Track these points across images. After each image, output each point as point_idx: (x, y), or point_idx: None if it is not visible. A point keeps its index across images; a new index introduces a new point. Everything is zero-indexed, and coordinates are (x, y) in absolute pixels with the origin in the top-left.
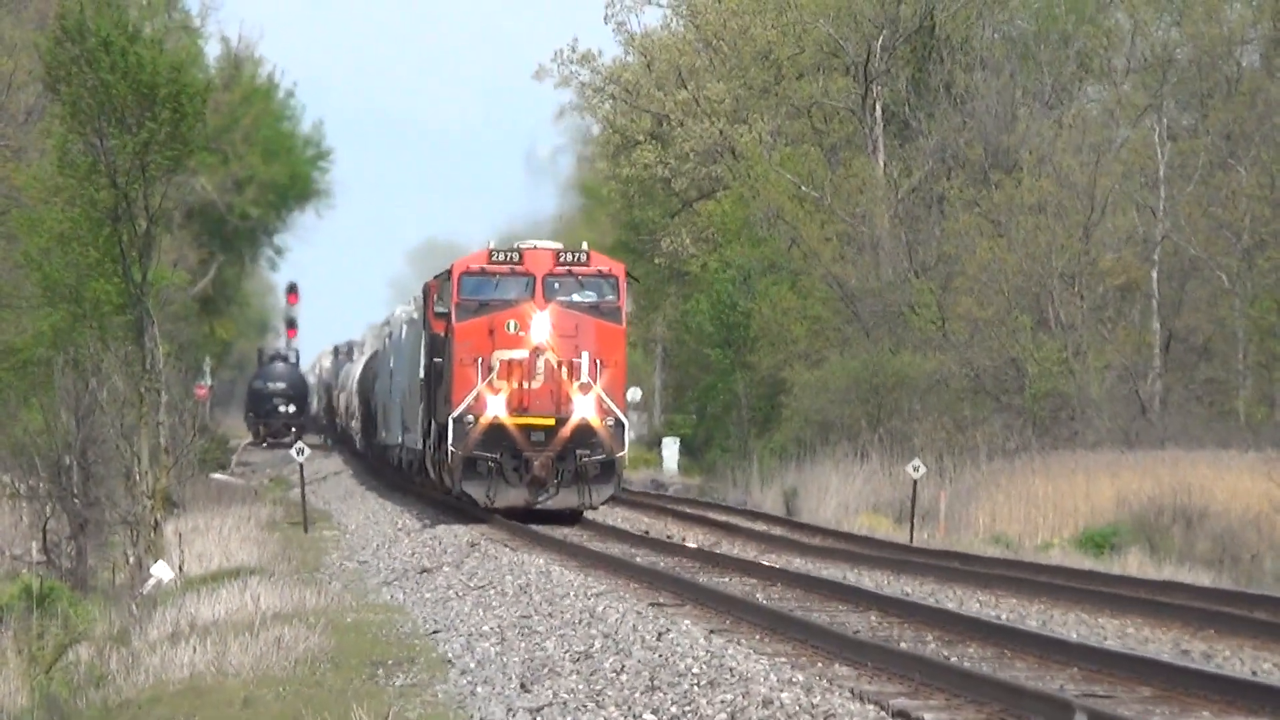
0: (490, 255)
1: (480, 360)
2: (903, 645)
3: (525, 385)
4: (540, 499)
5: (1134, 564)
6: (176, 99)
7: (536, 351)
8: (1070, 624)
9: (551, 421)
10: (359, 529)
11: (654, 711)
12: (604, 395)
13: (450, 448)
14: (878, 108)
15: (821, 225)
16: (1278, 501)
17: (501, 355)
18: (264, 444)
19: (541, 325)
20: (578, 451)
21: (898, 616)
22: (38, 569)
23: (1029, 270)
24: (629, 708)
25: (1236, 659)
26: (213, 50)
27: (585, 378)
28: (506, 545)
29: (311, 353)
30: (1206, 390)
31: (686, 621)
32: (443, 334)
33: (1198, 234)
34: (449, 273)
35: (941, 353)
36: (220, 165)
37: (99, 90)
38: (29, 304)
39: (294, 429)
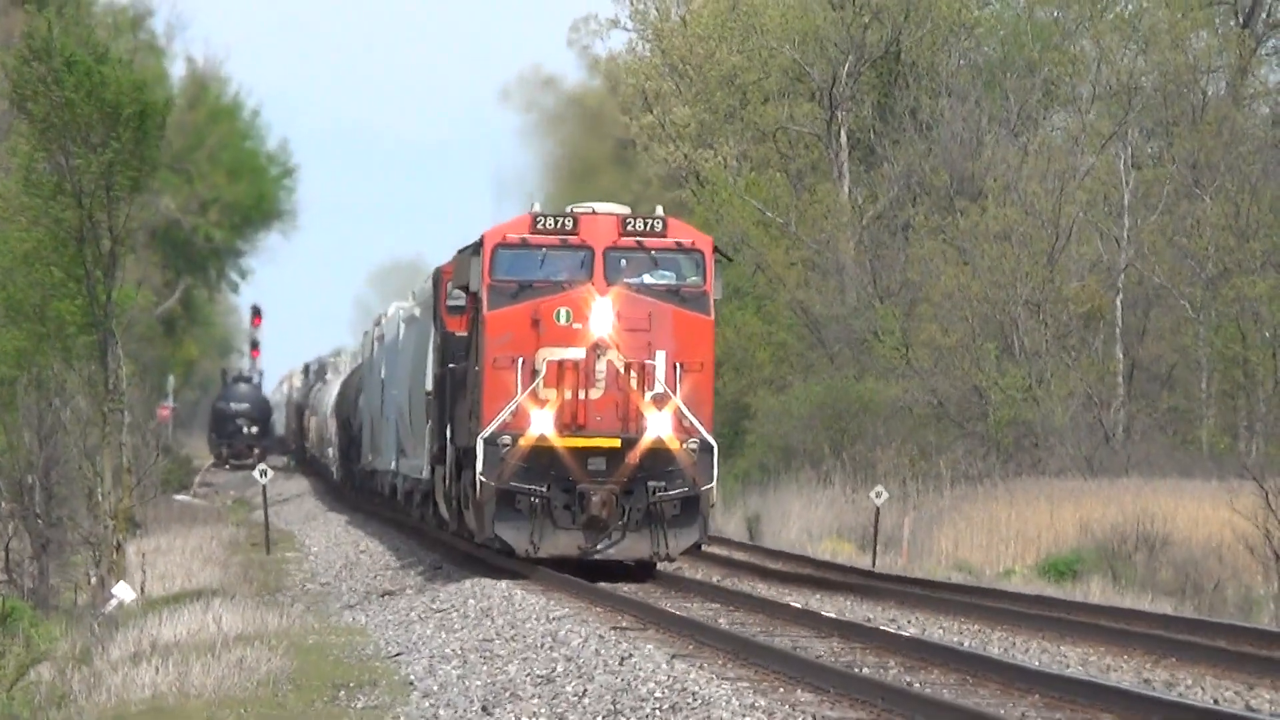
0: (534, 222)
1: (520, 361)
2: (865, 671)
3: (581, 395)
4: (599, 546)
5: (1096, 591)
6: (140, 118)
7: (596, 350)
8: (1032, 651)
9: (615, 443)
10: (322, 552)
11: None
12: (685, 409)
13: (479, 478)
14: (843, 133)
15: (786, 251)
16: (1240, 531)
17: (549, 355)
18: (227, 465)
19: (603, 315)
20: (650, 484)
21: (860, 642)
22: (0, 589)
23: (993, 297)
24: None
25: (1199, 687)
26: (178, 70)
27: (661, 386)
28: (468, 569)
29: (275, 374)
30: (1170, 419)
31: (649, 646)
32: (463, 331)
33: (1162, 263)
34: (478, 245)
35: (905, 379)
36: (185, 185)
37: (64, 109)
38: None
39: (257, 450)
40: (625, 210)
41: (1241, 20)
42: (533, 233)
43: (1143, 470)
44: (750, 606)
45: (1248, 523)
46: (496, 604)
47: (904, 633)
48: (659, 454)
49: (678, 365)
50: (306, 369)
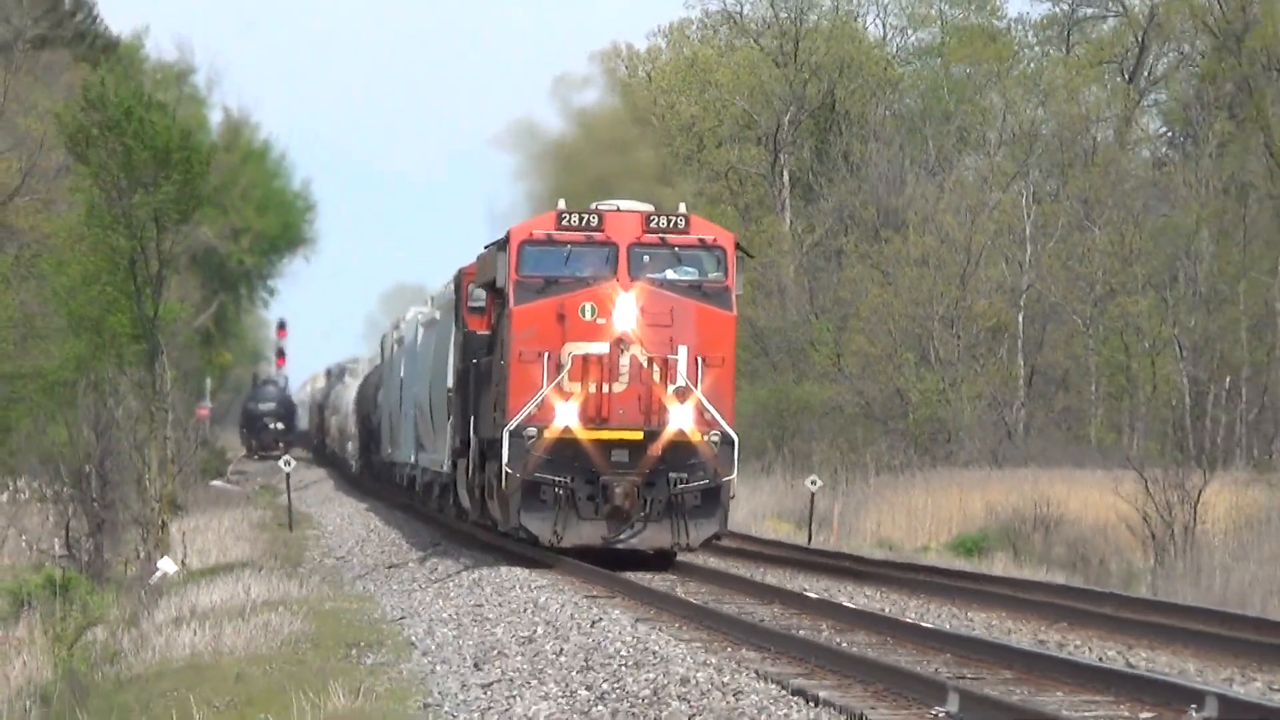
0: (559, 218)
1: (546, 355)
2: (801, 633)
3: (605, 388)
4: (622, 536)
5: (1000, 565)
6: (187, 162)
7: (620, 344)
8: (944, 616)
9: (639, 436)
10: (336, 530)
11: (588, 688)
12: (707, 403)
13: (505, 469)
14: (785, 173)
15: None
16: (1122, 514)
17: (574, 349)
18: (256, 456)
19: (627, 310)
20: (672, 475)
21: (797, 609)
22: (61, 562)
23: (913, 313)
24: (566, 684)
25: (1086, 647)
26: (216, 117)
27: (683, 380)
28: (463, 546)
29: (297, 378)
30: (1063, 417)
31: (616, 611)
32: (484, 329)
33: (1057, 284)
34: (504, 242)
35: (837, 384)
36: (221, 217)
37: (120, 153)
38: (56, 334)
39: (282, 444)
40: (649, 208)
41: (1126, 77)
42: (558, 229)
43: (1040, 461)
44: (702, 578)
45: (1129, 506)
46: (486, 574)
47: (834, 600)
48: (681, 446)
49: (700, 359)
50: (328, 373)
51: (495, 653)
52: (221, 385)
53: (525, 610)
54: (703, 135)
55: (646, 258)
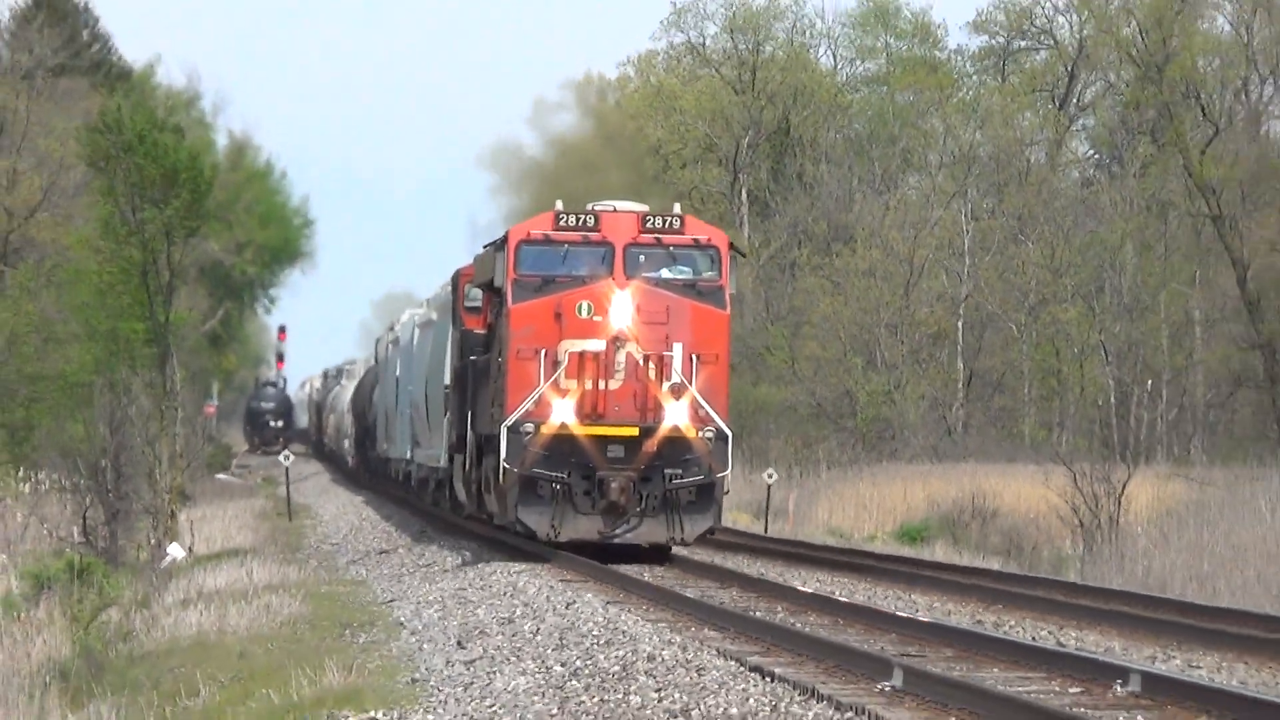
0: (557, 219)
1: (543, 353)
2: (758, 614)
3: (601, 385)
4: (618, 530)
5: (940, 552)
6: (194, 181)
7: (616, 342)
8: (890, 598)
9: (634, 432)
10: (331, 519)
11: (563, 664)
12: (701, 399)
13: (503, 464)
14: (744, 192)
15: None
16: (1053, 505)
17: (571, 346)
18: (258, 451)
19: (622, 308)
20: (667, 471)
21: (754, 592)
22: (78, 548)
23: (861, 321)
24: (542, 661)
25: (1020, 628)
26: (222, 139)
27: (678, 377)
28: (447, 534)
29: (297, 379)
30: (999, 416)
31: (589, 594)
32: (480, 328)
33: (994, 294)
34: (502, 242)
35: (791, 385)
36: (226, 231)
37: (133, 172)
38: (74, 339)
39: (282, 439)
40: (644, 208)
41: (1057, 104)
42: (555, 229)
43: (977, 457)
44: (667, 563)
45: (1059, 498)
46: (469, 560)
47: (789, 584)
48: (676, 442)
49: (694, 357)
50: (325, 374)
51: (477, 632)
52: (226, 386)
53: (505, 593)
54: (668, 157)
55: (642, 257)
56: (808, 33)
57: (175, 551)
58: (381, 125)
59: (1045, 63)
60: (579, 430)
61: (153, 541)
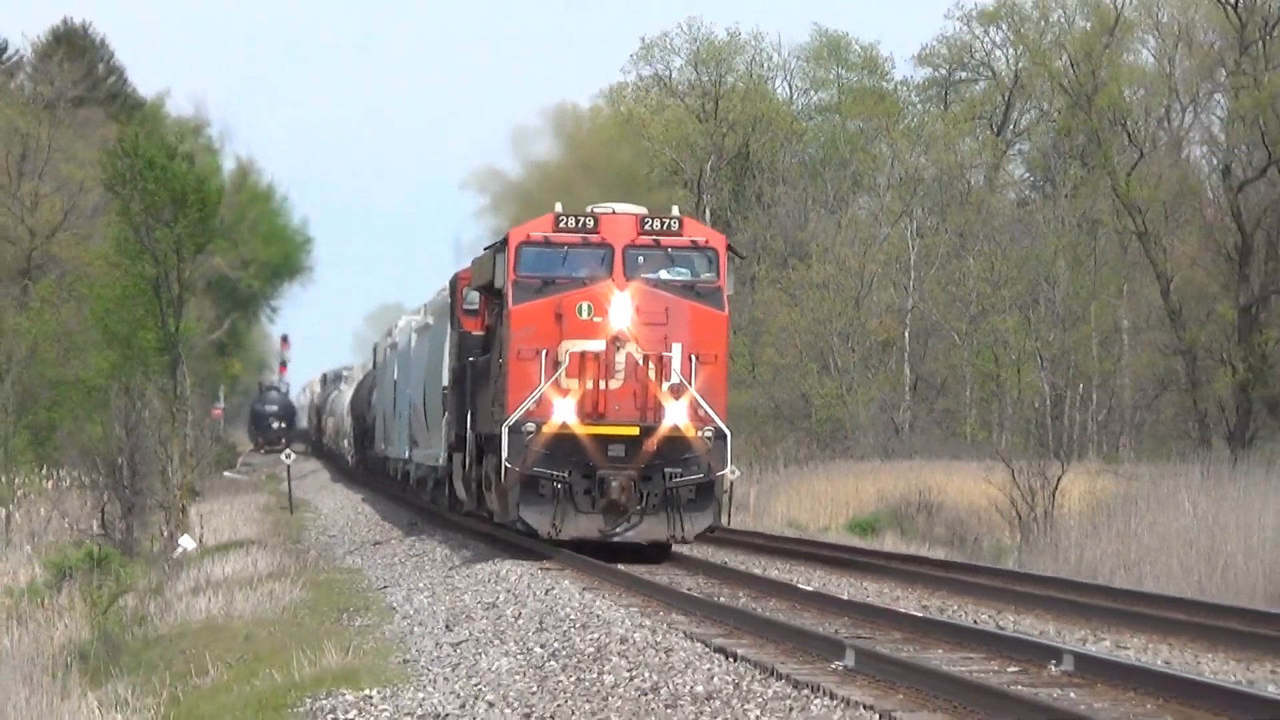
0: (557, 221)
1: (544, 353)
2: (722, 600)
3: (601, 385)
4: (618, 529)
5: (889, 542)
6: (202, 202)
7: (616, 342)
8: (843, 585)
9: (634, 431)
10: (330, 513)
11: (542, 646)
12: (700, 399)
13: (505, 463)
14: (707, 212)
15: None
16: (993, 498)
17: (571, 346)
18: (262, 451)
19: (622, 309)
20: (667, 470)
21: (718, 579)
22: (97, 540)
23: (816, 330)
24: (524, 643)
25: (963, 612)
26: (228, 164)
27: (677, 377)
28: (436, 526)
29: (298, 384)
30: (942, 417)
31: (566, 581)
32: (478, 330)
33: (937, 305)
34: (503, 243)
35: (752, 389)
36: (232, 248)
37: (146, 195)
38: (93, 347)
39: (284, 440)
40: (643, 210)
41: (995, 130)
42: (555, 231)
43: (923, 454)
44: (638, 554)
45: (999, 492)
46: (456, 550)
47: (750, 571)
48: (676, 441)
49: (693, 357)
50: (324, 379)
51: (464, 616)
52: (233, 390)
53: (489, 581)
54: (636, 179)
55: (641, 259)
56: (766, 65)
57: (186, 543)
58: (374, 152)
59: (984, 93)
60: (580, 430)
61: (165, 533)
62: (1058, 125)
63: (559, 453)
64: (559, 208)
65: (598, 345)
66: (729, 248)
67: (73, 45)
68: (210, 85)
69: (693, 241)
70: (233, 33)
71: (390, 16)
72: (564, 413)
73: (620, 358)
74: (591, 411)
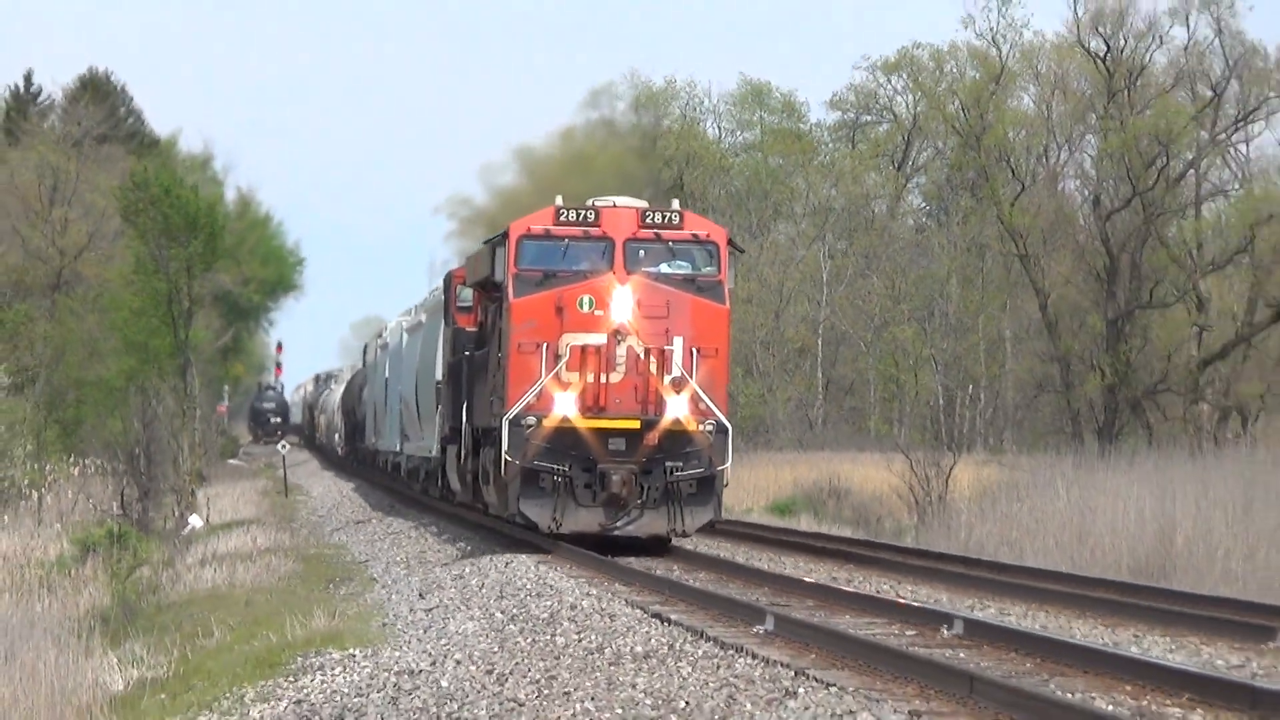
0: (557, 214)
1: (544, 347)
2: (658, 572)
3: (602, 378)
4: (619, 523)
5: (804, 523)
6: (210, 227)
7: (617, 335)
8: (764, 560)
9: (635, 425)
10: (320, 497)
11: (502, 612)
12: (701, 393)
13: (505, 457)
14: None
15: None
16: (893, 485)
17: (572, 340)
18: (261, 442)
19: (623, 302)
20: (668, 464)
21: (654, 553)
22: (117, 519)
23: (740, 338)
24: (486, 609)
25: (867, 583)
26: (231, 194)
27: (678, 370)
28: (411, 508)
29: (292, 384)
30: (850, 415)
31: (523, 555)
32: (472, 326)
33: (846, 317)
34: (503, 237)
35: None
36: (235, 267)
37: (160, 221)
38: (113, 353)
39: (280, 433)
40: (644, 204)
41: (896, 166)
42: (556, 224)
43: (833, 446)
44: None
45: (899, 480)
46: (427, 529)
47: (681, 547)
48: (677, 435)
49: (694, 350)
50: (317, 379)
51: (435, 586)
52: (235, 390)
53: (457, 556)
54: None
55: (642, 252)
56: (698, 109)
57: (194, 521)
58: (359, 183)
59: (886, 133)
60: (580, 423)
61: (176, 514)
62: (950, 162)
63: (559, 446)
64: (559, 201)
65: (599, 339)
66: (730, 241)
67: (97, 90)
68: (217, 125)
69: (694, 235)
70: (238, 80)
71: (377, 63)
72: (564, 406)
73: (621, 351)
74: (592, 405)
